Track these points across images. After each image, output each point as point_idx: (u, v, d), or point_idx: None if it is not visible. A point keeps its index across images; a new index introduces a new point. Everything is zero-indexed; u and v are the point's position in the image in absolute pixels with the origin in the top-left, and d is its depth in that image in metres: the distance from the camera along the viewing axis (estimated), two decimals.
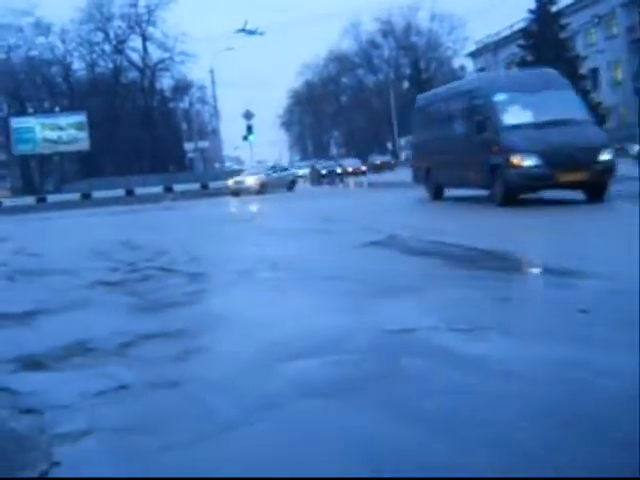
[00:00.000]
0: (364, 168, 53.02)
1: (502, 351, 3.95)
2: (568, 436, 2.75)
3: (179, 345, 4.69)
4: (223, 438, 3.01)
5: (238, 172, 42.39)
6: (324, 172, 46.40)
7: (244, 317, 5.55)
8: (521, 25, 56.03)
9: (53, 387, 4.00)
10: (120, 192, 41.78)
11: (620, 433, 2.72)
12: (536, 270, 6.94)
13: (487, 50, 70.86)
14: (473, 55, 74.58)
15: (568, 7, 55.44)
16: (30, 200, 42.90)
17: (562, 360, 3.68)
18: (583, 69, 51.48)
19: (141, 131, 58.71)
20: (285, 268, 8.06)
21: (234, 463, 2.78)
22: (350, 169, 50.56)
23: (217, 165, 65.71)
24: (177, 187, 42.41)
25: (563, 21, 51.24)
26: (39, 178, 61.39)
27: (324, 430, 3.01)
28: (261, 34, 48.41)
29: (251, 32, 46.96)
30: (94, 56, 64.91)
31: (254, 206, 24.89)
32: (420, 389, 3.42)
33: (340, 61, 79.34)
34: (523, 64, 52.06)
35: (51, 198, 43.08)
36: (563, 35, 51.00)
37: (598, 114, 48.74)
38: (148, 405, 3.56)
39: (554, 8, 51.39)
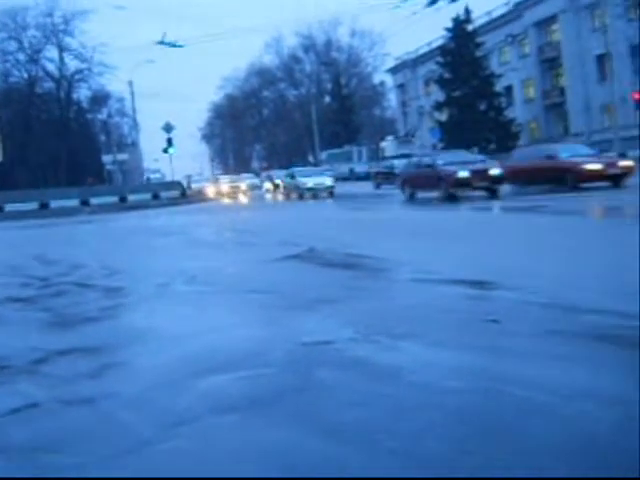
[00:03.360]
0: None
1: (416, 361, 4.02)
2: (480, 442, 2.82)
3: (93, 361, 4.60)
4: (138, 455, 2.96)
5: (169, 184, 45.82)
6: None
7: (160, 331, 5.47)
8: (439, 43, 57.45)
9: None
10: (34, 205, 40.55)
11: (533, 439, 2.81)
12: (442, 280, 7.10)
13: (406, 66, 72.26)
14: (393, 71, 75.92)
15: (483, 26, 57.21)
16: None
17: (474, 369, 3.78)
18: (498, 86, 53.16)
19: (57, 142, 57.30)
20: (204, 281, 8.00)
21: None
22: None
23: (148, 176, 64.96)
24: (95, 200, 41.47)
25: (478, 39, 52.82)
26: None
27: (240, 445, 3.00)
28: (181, 46, 47.88)
29: (171, 44, 46.42)
30: (8, 65, 63.12)
31: (177, 218, 24.59)
32: (336, 401, 3.45)
33: (262, 75, 79.47)
34: (441, 81, 53.49)
35: None
36: (479, 53, 52.57)
37: (511, 131, 50.51)
38: (60, 423, 3.48)
39: (470, 27, 52.93)
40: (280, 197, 37.22)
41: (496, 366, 3.79)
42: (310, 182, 32.15)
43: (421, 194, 22.88)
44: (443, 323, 4.99)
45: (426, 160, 23.45)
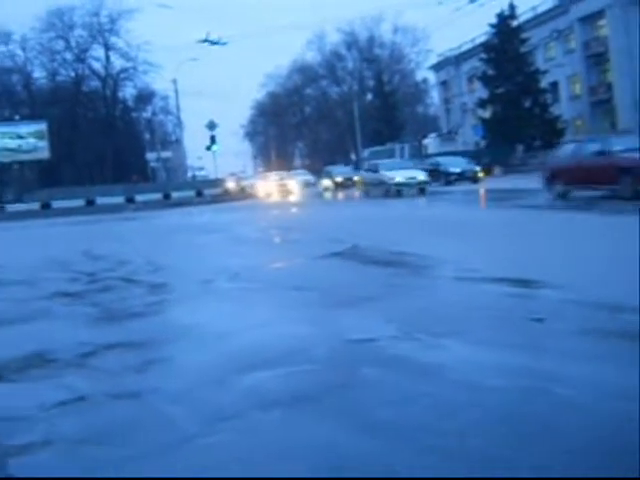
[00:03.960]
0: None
1: (459, 359, 4.01)
2: (521, 442, 2.80)
3: (139, 356, 4.68)
4: (183, 449, 3.00)
5: (213, 182, 44.82)
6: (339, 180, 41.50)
7: (204, 328, 5.54)
8: (483, 39, 56.85)
9: (11, 399, 3.96)
10: (81, 202, 41.29)
11: (577, 440, 2.78)
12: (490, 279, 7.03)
13: (449, 63, 71.73)
14: (435, 68, 75.42)
15: (528, 22, 56.44)
16: None
17: (518, 368, 3.75)
18: (543, 83, 52.38)
19: (103, 140, 58.18)
20: (247, 278, 8.05)
21: (194, 475, 2.78)
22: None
23: (194, 174, 65.05)
24: (139, 197, 42.06)
25: (523, 35, 52.10)
26: None
27: (283, 441, 3.02)
28: (224, 44, 48.26)
29: (214, 42, 46.82)
30: (55, 64, 64.23)
31: (222, 215, 24.79)
32: (379, 398, 3.45)
33: (304, 72, 79.55)
34: (485, 78, 52.90)
35: (10, 208, 42.40)
36: (523, 49, 51.85)
37: (557, 127, 49.68)
38: (107, 416, 3.54)
39: (514, 23, 52.23)
40: (341, 195, 34.44)
41: (539, 365, 3.76)
42: (399, 176, 27.60)
43: (579, 191, 16.95)
44: (485, 321, 4.95)
45: (594, 146, 16.64)
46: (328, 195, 37.04)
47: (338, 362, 4.13)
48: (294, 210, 26.13)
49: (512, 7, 51.35)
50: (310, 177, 50.51)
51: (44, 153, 52.25)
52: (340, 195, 34.55)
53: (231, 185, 46.32)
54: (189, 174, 65.86)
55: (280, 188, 39.31)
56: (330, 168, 46.34)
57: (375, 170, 29.56)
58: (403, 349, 4.30)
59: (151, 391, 3.85)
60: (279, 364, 4.15)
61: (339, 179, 40.38)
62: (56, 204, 40.58)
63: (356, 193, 32.92)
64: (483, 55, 53.48)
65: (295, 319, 5.58)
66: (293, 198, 35.29)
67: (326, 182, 42.02)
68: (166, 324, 5.87)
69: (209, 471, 2.79)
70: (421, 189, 27.27)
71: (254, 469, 2.77)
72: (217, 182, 46.42)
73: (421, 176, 28.00)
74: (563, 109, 55.28)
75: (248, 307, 6.35)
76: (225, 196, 40.42)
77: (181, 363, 4.54)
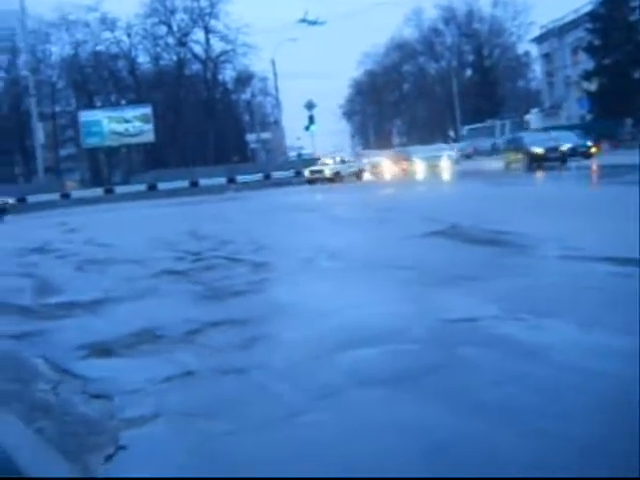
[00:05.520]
0: None
1: (564, 341, 3.90)
2: (628, 429, 2.70)
3: (243, 333, 4.79)
4: (287, 425, 3.07)
5: (312, 161, 42.52)
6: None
7: (305, 306, 5.61)
8: (588, 9, 54.52)
9: (122, 373, 4.14)
10: (185, 183, 42.46)
11: None
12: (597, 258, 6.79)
13: (552, 35, 69.19)
14: (538, 40, 72.97)
15: None
16: (98, 191, 43.98)
17: (624, 352, 3.62)
18: None
19: (204, 122, 59.39)
20: (346, 257, 8.09)
21: (298, 450, 2.84)
22: None
23: (300, 152, 64.05)
24: (240, 178, 42.84)
25: (633, 3, 49.63)
26: (107, 170, 62.82)
27: (383, 420, 3.03)
28: (322, 24, 48.50)
29: (312, 22, 47.05)
30: (158, 49, 65.84)
31: (318, 195, 24.96)
32: (481, 379, 3.42)
33: (402, 49, 78.58)
34: (590, 49, 50.80)
35: (118, 189, 44.10)
36: (633, 17, 49.43)
37: None
38: (214, 391, 3.65)
39: None
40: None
41: None
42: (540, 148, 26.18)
43: None
44: (590, 302, 4.80)
45: None
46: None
47: (439, 342, 4.10)
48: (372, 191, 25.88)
49: None
50: (452, 152, 39.27)
51: (149, 136, 53.93)
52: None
53: (389, 166, 40.18)
54: (293, 153, 66.31)
55: (429, 166, 34.21)
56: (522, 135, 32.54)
57: (518, 142, 28.37)
58: (506, 329, 4.22)
59: (256, 367, 3.94)
60: (380, 342, 4.17)
61: (538, 150, 26.87)
62: (162, 186, 41.90)
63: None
64: (589, 25, 51.33)
65: (394, 298, 5.57)
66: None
67: (513, 156, 29.27)
68: (269, 302, 5.98)
69: (311, 447, 2.83)
70: (563, 160, 26.01)
71: (351, 446, 2.79)
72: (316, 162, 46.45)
73: (564, 147, 26.48)
74: None
75: (348, 286, 6.38)
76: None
77: (284, 340, 4.62)
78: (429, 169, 33.71)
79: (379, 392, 3.35)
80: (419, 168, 34.85)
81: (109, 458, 2.88)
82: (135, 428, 3.20)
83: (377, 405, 3.22)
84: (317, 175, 36.61)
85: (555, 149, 26.52)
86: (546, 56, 72.19)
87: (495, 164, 31.14)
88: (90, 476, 2.77)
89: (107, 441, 3.06)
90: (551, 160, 26.13)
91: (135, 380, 3.91)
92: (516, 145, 28.59)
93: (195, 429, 3.13)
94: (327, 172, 36.68)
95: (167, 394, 3.64)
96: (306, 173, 38.05)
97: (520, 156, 27.39)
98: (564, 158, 26.22)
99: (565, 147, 26.57)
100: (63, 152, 62.64)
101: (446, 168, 34.08)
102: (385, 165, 38.96)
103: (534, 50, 75.08)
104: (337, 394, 3.36)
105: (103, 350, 4.70)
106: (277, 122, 62.88)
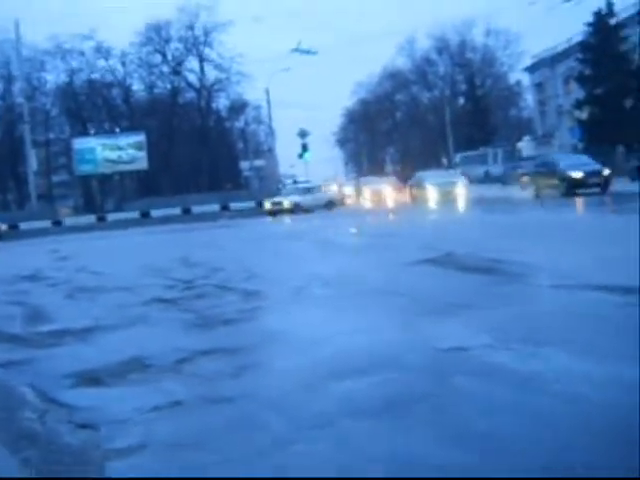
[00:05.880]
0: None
1: (557, 370, 3.86)
2: (626, 459, 2.67)
3: (233, 362, 4.75)
4: (277, 455, 3.01)
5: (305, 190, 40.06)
6: None
7: (296, 334, 5.57)
8: (579, 38, 55.13)
9: (109, 402, 4.08)
10: (177, 210, 42.41)
11: None
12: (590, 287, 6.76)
13: (544, 65, 69.92)
14: (530, 70, 73.70)
15: (628, 19, 54.33)
16: (91, 219, 43.87)
17: (619, 380, 3.59)
18: None
19: (198, 150, 59.57)
20: (338, 285, 8.07)
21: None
22: None
23: (295, 179, 63.43)
24: (233, 205, 42.83)
25: (623, 33, 50.19)
26: (100, 197, 62.79)
27: (372, 450, 2.99)
28: (314, 53, 48.87)
29: (305, 51, 47.43)
30: (153, 78, 66.18)
31: (308, 223, 24.96)
32: (472, 409, 3.37)
33: (395, 78, 79.19)
34: (581, 79, 51.30)
35: (111, 217, 43.98)
36: (623, 48, 49.98)
37: None
38: (202, 421, 3.59)
39: (613, 20, 50.43)
40: None
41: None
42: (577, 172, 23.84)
43: None
44: (585, 331, 4.77)
45: None
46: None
47: (430, 371, 4.06)
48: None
49: (610, 4, 49.63)
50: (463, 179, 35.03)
51: (143, 163, 53.97)
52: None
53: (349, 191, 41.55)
54: (289, 181, 66.41)
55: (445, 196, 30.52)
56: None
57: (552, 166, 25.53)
58: (498, 358, 4.19)
59: (245, 396, 3.89)
60: (371, 372, 4.13)
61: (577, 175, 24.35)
62: (155, 213, 41.83)
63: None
64: (580, 55, 51.88)
65: (387, 326, 5.54)
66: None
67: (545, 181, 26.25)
68: (260, 331, 5.95)
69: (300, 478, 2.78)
70: (605, 186, 23.44)
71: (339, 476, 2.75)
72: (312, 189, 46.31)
73: (605, 171, 24.02)
74: None
75: (339, 314, 6.35)
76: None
77: (274, 369, 4.58)
78: (443, 196, 30.69)
79: (368, 422, 3.31)
80: (432, 195, 31.50)
81: None
82: (121, 459, 3.14)
83: (365, 435, 3.17)
84: (277, 207, 35.11)
85: (597, 173, 24.09)
86: (538, 85, 72.89)
87: (518, 191, 29.79)
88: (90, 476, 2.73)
89: (93, 471, 3.01)
90: (590, 186, 23.58)
91: (123, 410, 3.86)
92: (549, 169, 25.81)
93: (182, 460, 3.07)
94: (286, 204, 35.11)
95: (155, 424, 3.59)
96: (267, 205, 36.16)
97: (555, 182, 24.68)
98: (606, 184, 23.71)
99: (606, 172, 24.14)
100: (56, 179, 62.59)
101: (461, 195, 31.37)
102: (387, 192, 36.92)
103: (526, 79, 75.83)
104: (326, 425, 3.31)
105: (91, 379, 4.65)
106: (271, 150, 63.07)
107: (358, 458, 2.92)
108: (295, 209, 34.47)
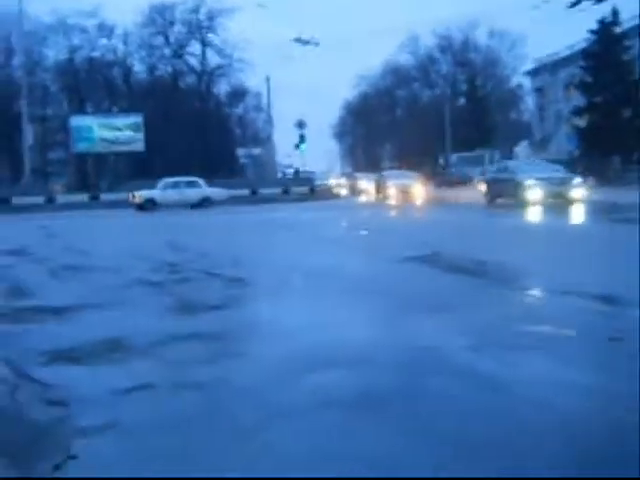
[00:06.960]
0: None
1: (530, 376, 3.88)
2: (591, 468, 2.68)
3: (210, 348, 4.76)
4: (239, 444, 3.01)
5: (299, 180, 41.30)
6: None
7: (276, 324, 5.59)
8: (582, 45, 55.13)
9: (82, 381, 4.08)
10: None
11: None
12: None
13: (545, 70, 69.98)
14: (531, 74, 73.73)
15: (632, 29, 54.30)
16: (84, 197, 43.68)
17: (593, 388, 3.61)
18: None
19: (195, 135, 59.40)
20: (322, 277, 8.07)
21: (244, 468, 2.79)
22: None
23: (297, 169, 62.70)
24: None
25: (627, 42, 50.14)
26: (94, 176, 62.61)
27: (335, 443, 3.00)
28: (316, 44, 48.72)
29: (305, 42, 47.31)
30: (154, 59, 65.94)
31: (302, 214, 24.91)
32: (441, 408, 3.39)
33: (396, 74, 79.08)
34: (582, 86, 51.28)
35: (104, 196, 43.84)
36: (626, 57, 49.97)
37: None
38: (172, 405, 3.59)
39: (617, 29, 50.38)
40: None
41: (614, 387, 3.60)
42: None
43: None
44: (563, 338, 4.79)
45: None
46: None
47: (404, 368, 4.07)
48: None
49: (615, 13, 49.58)
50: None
51: (139, 145, 53.81)
52: None
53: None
54: (290, 170, 66.10)
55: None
56: None
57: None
58: (471, 360, 4.20)
59: (216, 383, 3.89)
60: (345, 365, 4.14)
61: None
62: None
63: None
64: (582, 62, 51.88)
65: (366, 322, 5.56)
66: None
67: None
68: (240, 318, 5.94)
69: (261, 468, 2.79)
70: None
71: (306, 470, 2.75)
72: (305, 180, 46.40)
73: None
74: None
75: (321, 306, 6.36)
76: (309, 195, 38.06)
77: (250, 357, 4.58)
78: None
79: (336, 415, 3.31)
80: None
81: (57, 467, 2.83)
82: (87, 438, 3.14)
83: (331, 427, 3.17)
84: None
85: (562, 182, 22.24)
86: (538, 90, 72.95)
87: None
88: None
89: (56, 450, 3.01)
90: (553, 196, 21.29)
91: (94, 389, 3.86)
92: (505, 176, 23.82)
93: (146, 442, 3.08)
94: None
95: (124, 405, 3.59)
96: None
97: (510, 189, 22.65)
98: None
99: (577, 180, 22.78)
100: (51, 156, 62.33)
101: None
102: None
103: (527, 83, 75.88)
104: (293, 415, 3.32)
105: (66, 357, 4.64)
106: (269, 139, 62.95)
107: (321, 450, 2.93)
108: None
